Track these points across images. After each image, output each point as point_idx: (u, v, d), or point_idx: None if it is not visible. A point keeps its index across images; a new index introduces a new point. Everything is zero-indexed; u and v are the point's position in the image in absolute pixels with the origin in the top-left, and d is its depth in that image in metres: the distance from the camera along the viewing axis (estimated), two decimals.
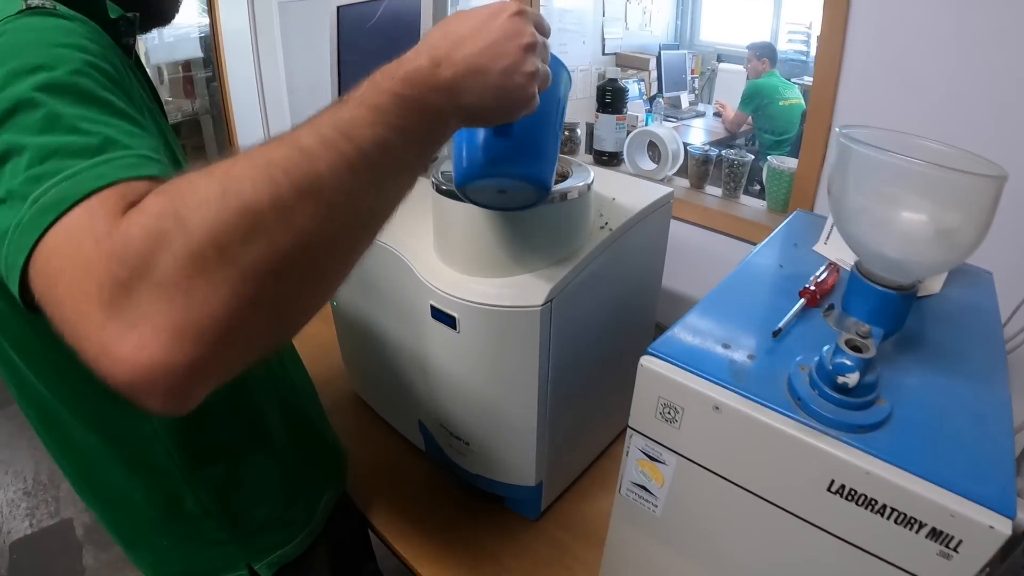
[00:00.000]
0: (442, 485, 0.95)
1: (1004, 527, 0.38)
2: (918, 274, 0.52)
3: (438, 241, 0.74)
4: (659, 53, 4.21)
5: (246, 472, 0.67)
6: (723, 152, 1.32)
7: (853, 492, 0.44)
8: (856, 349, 0.47)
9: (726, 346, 0.55)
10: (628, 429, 0.56)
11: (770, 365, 0.53)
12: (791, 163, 1.23)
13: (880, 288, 0.52)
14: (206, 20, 2.55)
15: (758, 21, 4.89)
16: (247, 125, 2.67)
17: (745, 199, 1.33)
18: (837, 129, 0.51)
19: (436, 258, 0.73)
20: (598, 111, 1.47)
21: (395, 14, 0.85)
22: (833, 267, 0.71)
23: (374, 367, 0.99)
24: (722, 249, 1.25)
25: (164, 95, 2.58)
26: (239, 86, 2.62)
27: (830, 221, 0.80)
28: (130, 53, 0.57)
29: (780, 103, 3.29)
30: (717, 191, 1.36)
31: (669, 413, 0.52)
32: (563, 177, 0.71)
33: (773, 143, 3.34)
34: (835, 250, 0.78)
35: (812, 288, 0.64)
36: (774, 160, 1.25)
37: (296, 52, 2.73)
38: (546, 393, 0.71)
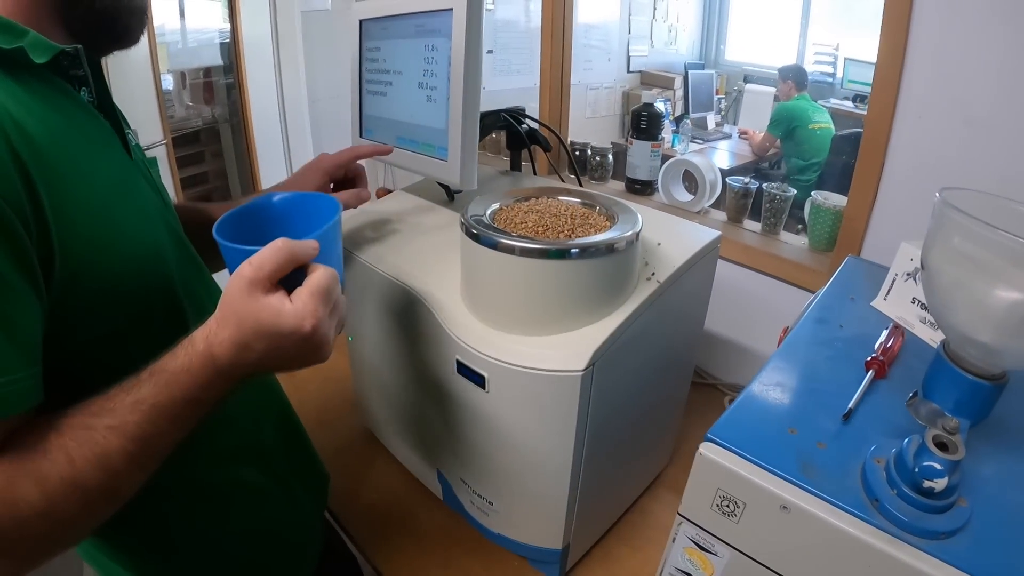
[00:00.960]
0: (461, 535, 0.89)
1: None
2: (1016, 364, 0.46)
3: (467, 290, 0.69)
4: (686, 72, 4.16)
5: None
6: (764, 185, 1.26)
7: None
8: (943, 447, 0.42)
9: (793, 430, 0.50)
10: (678, 516, 0.51)
11: (840, 454, 0.48)
12: (835, 199, 1.18)
13: (971, 377, 0.47)
14: (228, 26, 2.54)
15: (784, 42, 4.85)
16: (266, 134, 2.65)
17: (785, 235, 1.27)
18: (937, 194, 0.46)
19: (465, 309, 0.68)
20: (632, 136, 1.43)
21: (421, 29, 0.81)
22: (897, 330, 0.66)
23: (391, 410, 0.95)
24: (762, 290, 1.19)
25: (186, 100, 2.56)
26: (259, 95, 2.60)
27: (892, 274, 0.75)
28: (82, 84, 0.54)
29: (810, 127, 3.23)
30: (755, 225, 1.30)
31: (728, 506, 0.47)
32: (610, 221, 0.66)
33: (802, 167, 3.28)
34: (895, 307, 0.73)
35: (881, 358, 0.59)
36: (818, 196, 1.20)
37: (318, 63, 2.71)
38: (580, 459, 0.66)
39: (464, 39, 0.71)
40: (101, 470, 0.44)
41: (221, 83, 2.64)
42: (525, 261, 0.59)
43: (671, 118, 3.88)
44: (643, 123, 1.42)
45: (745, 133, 3.71)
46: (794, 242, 1.26)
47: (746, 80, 4.52)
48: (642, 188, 1.44)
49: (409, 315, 0.76)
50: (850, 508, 0.43)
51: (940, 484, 0.41)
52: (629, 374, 0.68)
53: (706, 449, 0.47)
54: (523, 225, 0.65)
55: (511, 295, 0.63)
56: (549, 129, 1.15)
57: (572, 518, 0.72)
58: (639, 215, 0.65)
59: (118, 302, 0.50)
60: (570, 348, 0.60)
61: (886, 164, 0.99)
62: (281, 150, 2.75)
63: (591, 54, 3.53)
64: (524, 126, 1.04)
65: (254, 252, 0.49)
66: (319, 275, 0.49)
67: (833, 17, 4.56)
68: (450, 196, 0.95)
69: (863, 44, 4.32)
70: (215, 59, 2.56)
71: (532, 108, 1.78)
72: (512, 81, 3.10)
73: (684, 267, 0.70)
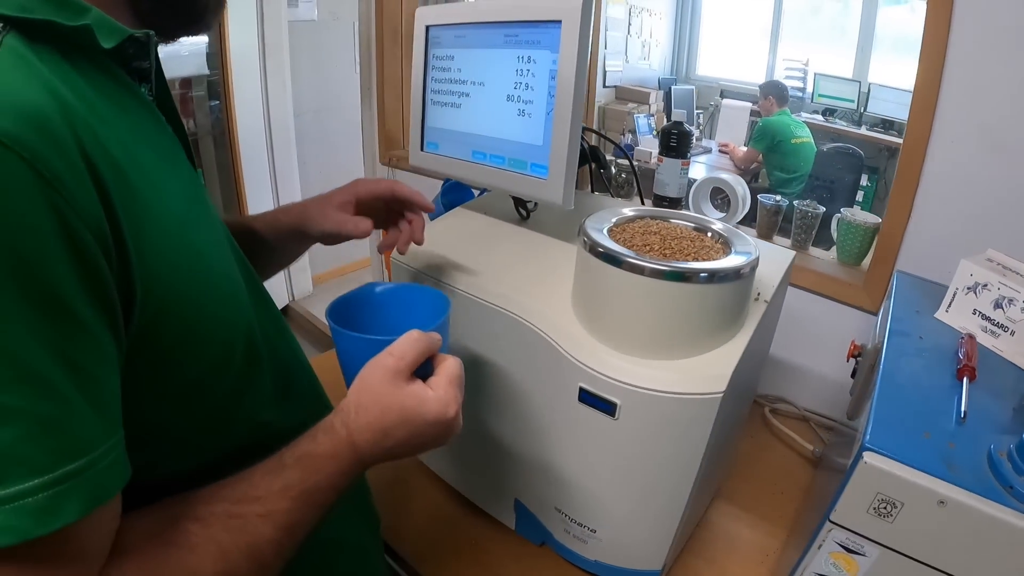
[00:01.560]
0: (534, 564, 0.93)
1: None
2: None
3: (588, 313, 0.72)
4: (670, 88, 4.34)
5: None
6: (796, 203, 1.36)
7: None
8: None
9: (927, 435, 0.57)
10: (827, 523, 0.57)
11: (968, 452, 0.56)
12: (863, 216, 1.29)
13: None
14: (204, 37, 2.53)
15: (754, 57, 5.11)
16: (251, 147, 2.65)
17: (812, 250, 1.38)
18: None
19: (584, 332, 0.72)
20: (662, 154, 1.50)
21: (514, 39, 0.83)
22: (970, 338, 0.74)
23: (462, 439, 0.96)
24: (799, 304, 1.28)
25: None
26: (245, 107, 2.60)
27: (953, 288, 0.84)
28: (143, 79, 0.48)
29: (792, 141, 3.42)
30: (783, 241, 1.40)
31: (885, 508, 0.54)
32: (723, 244, 0.72)
33: (784, 180, 3.46)
34: (958, 318, 0.82)
35: (972, 365, 0.67)
36: (847, 213, 1.31)
37: (304, 74, 2.73)
38: (699, 480, 0.71)
39: (576, 53, 0.74)
40: (253, 561, 0.42)
41: (197, 94, 2.62)
42: (662, 284, 0.64)
43: (655, 133, 4.03)
44: (673, 141, 1.50)
45: (725, 147, 3.88)
46: (823, 256, 1.36)
47: (722, 95, 4.73)
48: (671, 205, 1.52)
49: (511, 343, 0.79)
50: (995, 497, 0.50)
51: None
52: (737, 392, 0.74)
53: (870, 458, 0.54)
54: (648, 248, 0.70)
55: (642, 318, 0.67)
56: (612, 142, 1.21)
57: (676, 538, 0.78)
58: (751, 240, 0.72)
59: (201, 348, 0.45)
60: (703, 371, 0.65)
61: (920, 185, 1.10)
62: (266, 164, 2.75)
63: None
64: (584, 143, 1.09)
65: (385, 342, 0.53)
66: (452, 364, 0.54)
67: (802, 33, 4.84)
68: (524, 215, 0.99)
69: (832, 59, 4.60)
70: (195, 69, 2.55)
71: None
72: None
73: (781, 286, 0.77)
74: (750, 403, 1.00)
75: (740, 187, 1.44)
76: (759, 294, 0.75)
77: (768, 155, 3.51)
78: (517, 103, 0.84)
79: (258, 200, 2.74)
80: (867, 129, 4.30)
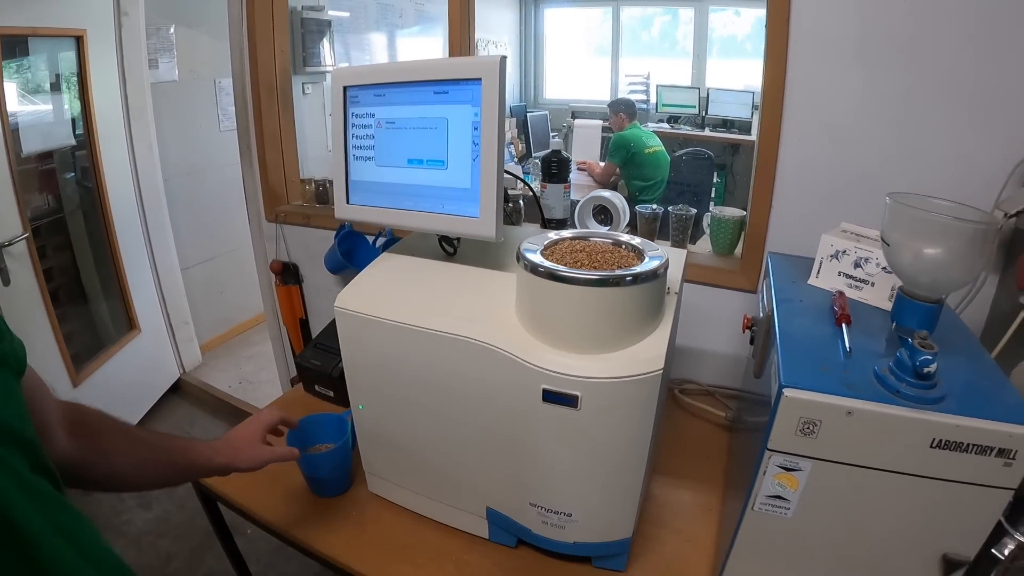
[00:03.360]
0: (516, 565, 1.01)
1: None
2: (945, 291, 0.74)
3: (537, 324, 0.83)
4: (525, 115, 4.60)
5: None
6: (670, 209, 1.57)
7: (946, 442, 0.66)
8: (927, 347, 0.68)
9: (824, 368, 0.74)
10: (765, 452, 0.72)
11: (858, 374, 0.73)
12: (730, 212, 1.52)
13: (924, 304, 0.74)
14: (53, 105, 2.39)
15: (598, 76, 5.56)
16: (124, 217, 2.50)
17: (689, 247, 1.58)
18: (887, 198, 0.73)
19: (534, 342, 0.83)
20: (544, 182, 1.66)
21: (443, 96, 0.92)
22: (840, 294, 0.94)
23: (426, 465, 1.03)
24: (689, 295, 1.46)
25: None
26: (114, 175, 2.46)
27: (819, 259, 1.04)
28: None
29: (645, 151, 3.76)
30: (664, 243, 1.59)
31: (808, 428, 0.69)
32: (636, 253, 0.87)
33: (643, 188, 3.79)
34: (827, 281, 1.02)
35: (846, 314, 0.86)
36: (715, 211, 1.53)
37: (169, 136, 2.65)
38: (651, 449, 0.84)
39: (496, 105, 0.86)
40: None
41: (62, 172, 2.44)
42: (599, 290, 0.77)
43: (515, 159, 4.26)
44: (554, 168, 1.66)
45: (583, 164, 4.16)
46: (699, 250, 1.57)
47: (574, 116, 5.09)
48: (558, 225, 1.68)
49: (470, 365, 0.87)
50: (886, 400, 0.68)
51: (933, 368, 0.67)
52: (665, 374, 0.86)
53: (790, 392, 0.69)
54: (579, 263, 0.83)
55: (585, 320, 0.80)
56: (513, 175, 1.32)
57: (640, 504, 0.91)
58: (656, 246, 0.87)
59: None
60: (642, 356, 0.79)
61: (776, 179, 1.33)
62: (140, 233, 2.63)
63: None
64: None
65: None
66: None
67: (639, 48, 5.34)
68: (452, 251, 1.08)
69: (670, 69, 5.11)
70: (61, 140, 2.37)
71: None
72: None
73: (683, 279, 0.93)
74: (668, 385, 1.16)
75: (619, 201, 1.62)
76: (669, 289, 0.90)
77: (625, 167, 3.83)
78: (442, 153, 0.95)
79: (136, 273, 2.59)
80: (710, 131, 4.83)
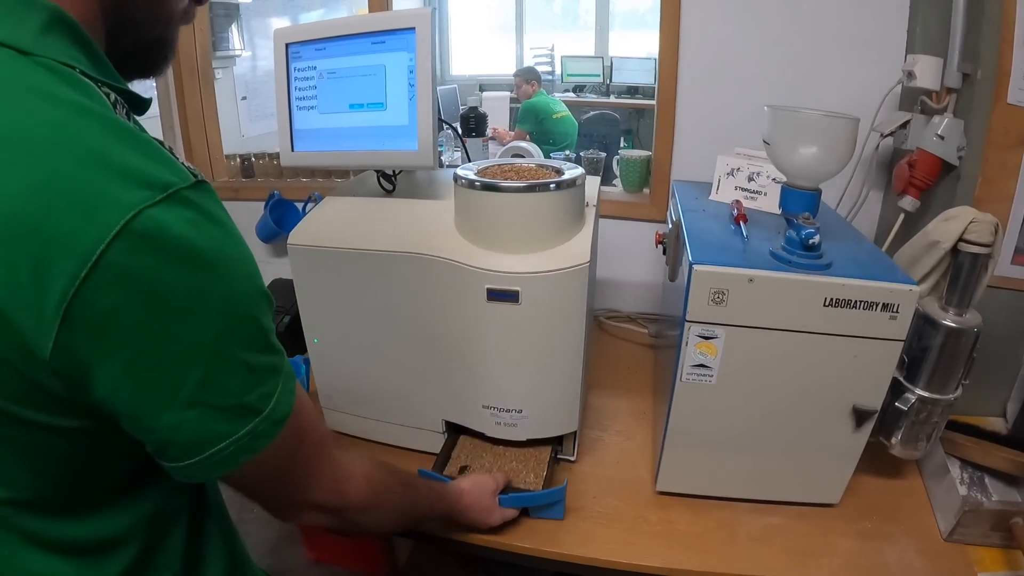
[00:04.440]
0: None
1: (914, 288, 0.78)
2: (820, 180, 0.88)
3: (474, 233, 0.92)
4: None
5: None
6: (582, 153, 1.69)
7: (837, 300, 0.80)
8: (810, 224, 0.82)
9: (726, 250, 0.86)
10: (685, 323, 0.84)
11: (755, 254, 0.87)
12: (637, 153, 1.65)
13: (805, 191, 0.88)
14: None
15: (503, 50, 5.65)
16: None
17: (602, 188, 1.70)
18: (765, 107, 0.87)
19: (473, 249, 0.92)
20: (463, 136, 1.74)
21: (380, 45, 1.00)
22: (737, 202, 1.08)
23: (383, 389, 1.10)
24: (606, 231, 1.59)
25: None
26: None
27: (716, 178, 1.17)
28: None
29: (553, 116, 3.91)
30: None
31: (718, 297, 0.82)
32: (557, 172, 0.97)
33: (553, 151, 3.91)
34: (725, 195, 1.16)
35: (743, 214, 0.99)
36: (624, 153, 1.66)
37: None
38: (586, 341, 0.96)
39: (429, 51, 0.96)
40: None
41: None
42: (530, 195, 0.88)
43: None
44: (472, 124, 1.74)
45: (494, 132, 4.24)
46: (612, 190, 1.71)
47: (481, 89, 5.15)
48: None
49: (418, 279, 0.95)
50: (780, 268, 0.82)
51: (817, 239, 0.81)
52: (591, 278, 0.98)
53: (700, 268, 0.81)
54: (508, 178, 0.92)
55: (518, 224, 0.89)
56: None
57: (582, 399, 1.01)
58: (576, 166, 0.98)
59: None
60: (570, 252, 0.90)
61: (676, 118, 1.47)
62: None
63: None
64: None
65: None
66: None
67: (542, 23, 5.47)
68: (389, 188, 1.15)
69: (574, 42, 5.27)
70: None
71: None
72: (268, 125, 3.21)
73: (598, 200, 1.06)
74: (592, 309, 1.27)
75: (534, 149, 1.72)
76: (588, 203, 1.01)
77: (535, 132, 3.96)
78: (381, 96, 1.03)
79: None
80: (615, 98, 5.01)
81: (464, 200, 0.93)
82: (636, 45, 5.11)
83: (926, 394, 0.91)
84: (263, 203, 1.86)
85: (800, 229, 0.82)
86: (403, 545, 1.86)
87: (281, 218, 1.87)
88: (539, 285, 0.88)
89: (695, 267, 0.81)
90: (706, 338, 0.85)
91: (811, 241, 0.81)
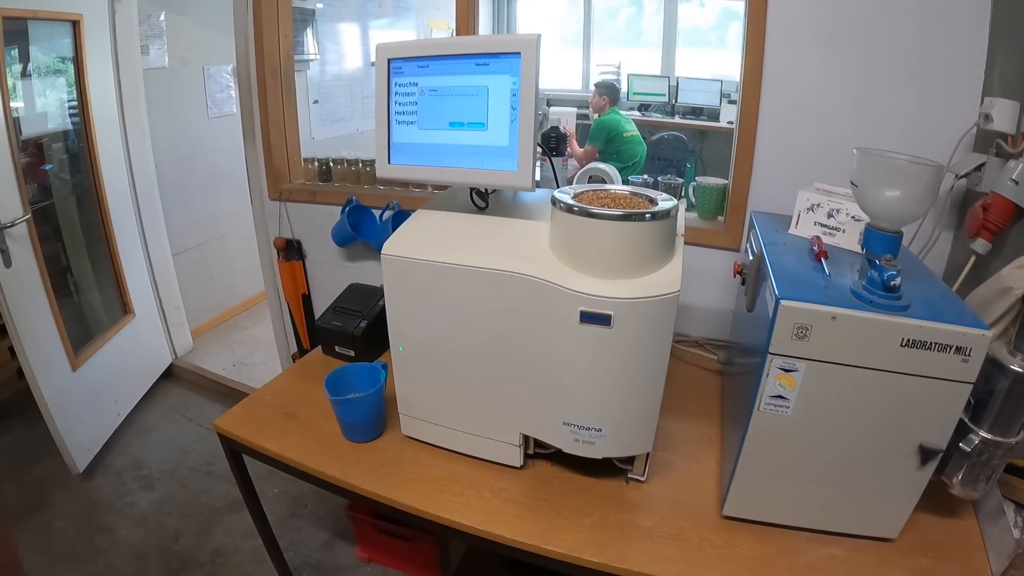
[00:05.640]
0: (546, 488, 1.17)
1: (987, 334, 0.82)
2: (903, 223, 0.93)
3: (571, 257, 1.00)
4: None
5: None
6: (659, 177, 1.75)
7: (913, 341, 0.85)
8: (891, 266, 0.87)
9: (810, 286, 0.92)
10: (768, 355, 0.90)
11: (838, 291, 0.91)
12: (713, 180, 1.70)
13: (886, 233, 0.93)
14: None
15: (569, 66, 5.76)
16: (119, 203, 2.56)
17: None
18: (855, 150, 0.92)
19: (569, 272, 0.98)
20: (543, 155, 1.82)
21: (484, 67, 1.07)
22: (817, 238, 1.13)
23: (463, 400, 1.17)
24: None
25: None
26: (109, 162, 2.51)
27: (796, 213, 1.22)
28: None
29: (624, 135, 3.97)
30: None
31: (801, 332, 0.87)
32: (650, 201, 1.04)
33: (621, 169, 3.98)
34: (805, 230, 1.21)
35: (824, 251, 1.04)
36: (700, 180, 1.71)
37: (160, 123, 2.72)
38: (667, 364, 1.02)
39: (533, 76, 1.03)
40: None
41: (57, 154, 2.49)
42: (626, 224, 0.95)
43: None
44: (552, 143, 1.83)
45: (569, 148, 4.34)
46: (688, 216, 1.76)
47: (549, 104, 5.26)
48: None
49: (512, 297, 1.02)
50: (861, 307, 0.86)
51: (898, 281, 0.85)
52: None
53: (787, 303, 0.87)
54: (605, 205, 0.99)
55: (614, 251, 0.96)
56: None
57: (657, 419, 1.07)
58: (668, 196, 1.04)
59: None
60: (662, 280, 0.97)
61: (756, 148, 1.52)
62: (133, 219, 2.70)
63: None
64: None
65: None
66: None
67: (608, 39, 5.55)
68: (483, 205, 1.23)
69: (640, 60, 5.33)
70: (57, 124, 2.41)
71: (353, 155, 2.13)
72: (337, 129, 3.37)
73: (683, 227, 1.12)
74: None
75: (612, 171, 1.79)
76: (678, 232, 1.08)
77: (604, 150, 4.03)
78: (483, 116, 1.10)
79: (130, 258, 2.65)
80: (680, 118, 5.05)
81: (561, 223, 1.01)
82: (699, 63, 5.14)
83: (989, 436, 0.93)
84: (339, 208, 1.98)
85: (883, 271, 0.87)
86: (457, 549, 1.95)
87: (358, 223, 1.99)
88: (631, 311, 0.95)
89: (782, 302, 0.87)
90: (787, 371, 0.91)
91: (893, 283, 0.86)
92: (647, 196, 1.06)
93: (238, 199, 3.28)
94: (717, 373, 1.56)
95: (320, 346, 1.73)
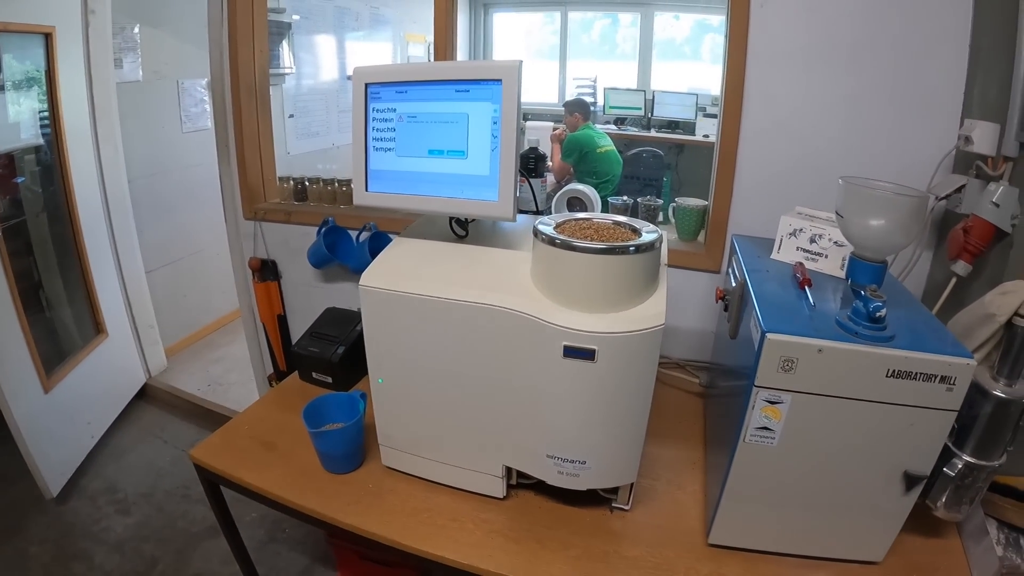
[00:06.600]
0: (530, 519, 1.15)
1: (971, 363, 0.82)
2: (888, 252, 0.93)
3: (553, 290, 0.98)
4: None
5: None
6: (639, 199, 1.75)
7: (899, 372, 0.84)
8: (877, 296, 0.87)
9: (795, 317, 0.91)
10: (753, 388, 0.89)
11: (822, 322, 0.91)
12: (693, 202, 1.70)
13: (871, 264, 0.93)
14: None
15: (545, 79, 5.77)
16: (91, 220, 2.48)
17: None
18: (840, 180, 0.92)
19: (551, 305, 0.96)
20: (524, 177, 1.81)
21: (465, 94, 1.04)
22: (800, 265, 1.13)
23: (445, 432, 1.15)
24: None
25: None
26: (81, 177, 2.43)
27: (778, 238, 1.22)
28: None
29: (597, 151, 3.97)
30: None
31: (787, 365, 0.86)
32: (633, 231, 1.02)
33: (596, 184, 3.98)
34: (787, 255, 1.21)
35: (808, 279, 1.04)
36: (680, 201, 1.71)
37: (133, 138, 2.66)
38: (651, 397, 1.01)
39: (515, 104, 1.01)
40: None
41: (29, 167, 2.41)
42: (610, 258, 0.93)
43: None
44: (531, 164, 1.81)
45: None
46: (667, 236, 1.76)
47: (526, 118, 5.27)
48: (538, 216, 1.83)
49: (493, 331, 1.00)
50: (846, 339, 0.86)
51: (884, 312, 0.85)
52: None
53: (772, 336, 0.85)
54: (588, 237, 0.98)
55: (597, 284, 0.94)
56: None
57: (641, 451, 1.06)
58: (650, 225, 1.03)
59: None
60: (646, 314, 0.95)
61: (736, 170, 1.52)
62: (106, 236, 2.63)
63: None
64: None
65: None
66: None
67: (583, 51, 5.57)
68: (462, 234, 1.21)
69: (618, 72, 5.35)
70: (29, 138, 2.33)
71: (330, 169, 2.08)
72: (313, 143, 3.34)
73: (666, 255, 1.11)
74: None
75: (591, 192, 1.79)
76: (661, 262, 1.07)
77: (578, 165, 4.03)
78: (463, 144, 1.08)
79: (103, 276, 2.57)
80: (656, 131, 5.08)
81: (543, 255, 0.99)
82: (674, 75, 5.18)
83: (972, 460, 0.94)
84: (315, 228, 1.95)
85: (868, 302, 0.87)
86: (440, 572, 1.91)
87: (334, 244, 1.95)
88: (616, 345, 0.93)
89: (768, 335, 0.86)
90: (772, 403, 0.90)
91: (878, 314, 0.86)
92: (630, 226, 1.05)
93: (212, 215, 3.19)
94: (699, 396, 1.56)
95: (297, 372, 1.69)
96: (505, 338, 1.00)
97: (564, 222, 1.06)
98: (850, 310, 0.90)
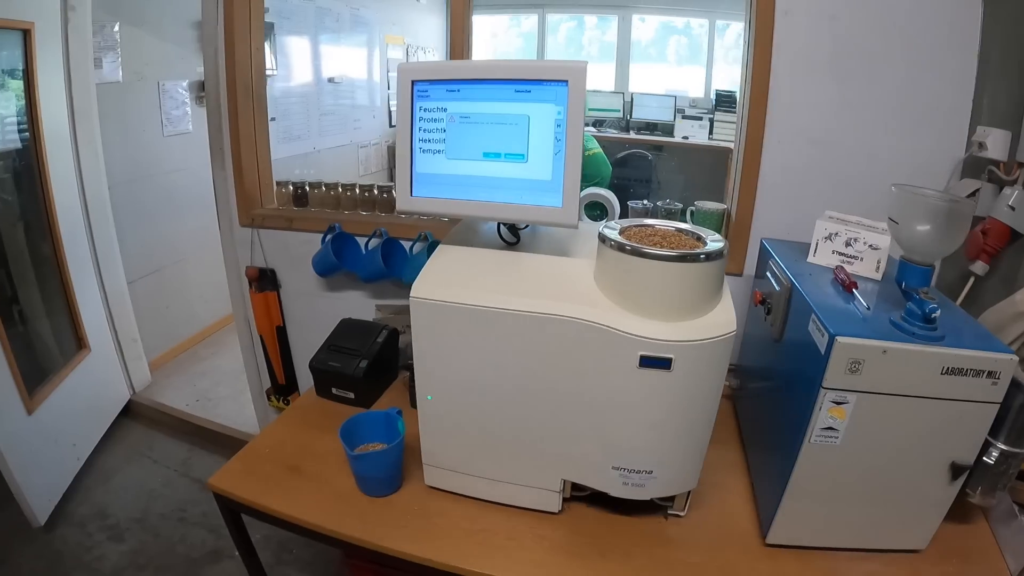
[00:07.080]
0: (590, 529, 1.17)
1: (1014, 358, 0.90)
2: (936, 256, 1.01)
3: (623, 298, 1.00)
4: None
5: None
6: (658, 203, 1.81)
7: (952, 368, 0.92)
8: (930, 299, 0.94)
9: (852, 320, 0.98)
10: (821, 390, 0.95)
11: (879, 324, 0.98)
12: (713, 205, 1.77)
13: (920, 267, 1.00)
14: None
15: None
16: (70, 227, 2.40)
17: None
18: (892, 187, 0.99)
19: (624, 314, 0.99)
20: None
21: (525, 95, 1.02)
22: (840, 268, 1.19)
23: (499, 448, 1.14)
24: None
25: None
26: (60, 183, 2.35)
27: (814, 242, 1.29)
28: None
29: (585, 154, 4.01)
30: None
31: (854, 367, 0.93)
32: (697, 239, 1.06)
33: (585, 187, 4.03)
34: (823, 259, 1.28)
35: (853, 282, 1.10)
36: (699, 204, 1.77)
37: (114, 141, 2.60)
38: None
39: (582, 105, 1.01)
40: None
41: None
42: (681, 265, 0.97)
43: None
44: None
45: None
46: None
47: None
48: None
49: (558, 339, 1.01)
50: (905, 339, 0.93)
51: (938, 314, 0.92)
52: None
53: (842, 340, 0.92)
54: (656, 244, 1.01)
55: (670, 292, 0.98)
56: None
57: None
58: (714, 233, 1.07)
59: None
60: (718, 320, 0.99)
61: (760, 176, 1.59)
62: (86, 244, 2.55)
63: (359, 113, 3.85)
64: None
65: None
66: None
67: (556, 55, 5.64)
68: (513, 240, 1.20)
69: (595, 75, 5.43)
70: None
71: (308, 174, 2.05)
72: (294, 147, 3.31)
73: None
74: None
75: (611, 196, 1.84)
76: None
77: None
78: (523, 148, 1.06)
79: (83, 288, 2.49)
80: (635, 133, 5.18)
81: (612, 262, 1.02)
82: (645, 77, 5.31)
83: (1007, 448, 1.02)
84: (318, 235, 1.92)
85: (923, 304, 0.94)
86: None
87: (340, 251, 1.91)
88: (691, 353, 0.97)
89: (837, 338, 0.92)
90: (838, 403, 0.96)
91: (933, 316, 0.93)
92: (693, 233, 1.09)
93: (196, 222, 3.18)
94: (727, 398, 1.61)
95: (313, 387, 1.66)
96: (573, 349, 1.01)
97: (627, 228, 1.09)
98: (904, 311, 0.97)
